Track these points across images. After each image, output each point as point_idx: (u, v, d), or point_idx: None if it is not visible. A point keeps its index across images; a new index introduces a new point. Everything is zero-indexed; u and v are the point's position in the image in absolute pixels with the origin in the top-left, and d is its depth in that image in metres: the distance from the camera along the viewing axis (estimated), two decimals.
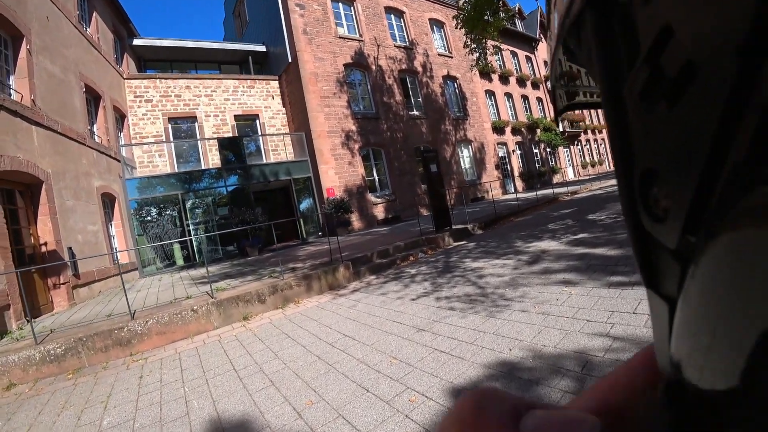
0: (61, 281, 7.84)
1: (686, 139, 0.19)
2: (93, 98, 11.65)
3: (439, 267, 6.68)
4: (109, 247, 10.35)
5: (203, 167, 14.52)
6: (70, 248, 8.23)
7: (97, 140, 11.25)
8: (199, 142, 15.19)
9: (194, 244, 12.74)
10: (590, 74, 0.33)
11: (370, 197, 15.91)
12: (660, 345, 0.23)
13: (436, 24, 22.05)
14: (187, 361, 4.23)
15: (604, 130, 39.91)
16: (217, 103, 16.04)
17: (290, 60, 15.55)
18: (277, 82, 17.26)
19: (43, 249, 7.74)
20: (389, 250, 8.00)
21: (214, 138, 14.87)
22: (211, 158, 14.88)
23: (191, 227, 12.97)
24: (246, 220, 12.42)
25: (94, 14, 12.92)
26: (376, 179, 16.72)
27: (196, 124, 15.57)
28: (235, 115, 16.30)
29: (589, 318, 3.21)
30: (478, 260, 6.53)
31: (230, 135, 15.69)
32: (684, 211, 0.20)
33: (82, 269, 8.60)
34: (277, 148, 16.44)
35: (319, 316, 5.06)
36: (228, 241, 13.20)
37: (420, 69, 19.78)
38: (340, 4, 17.33)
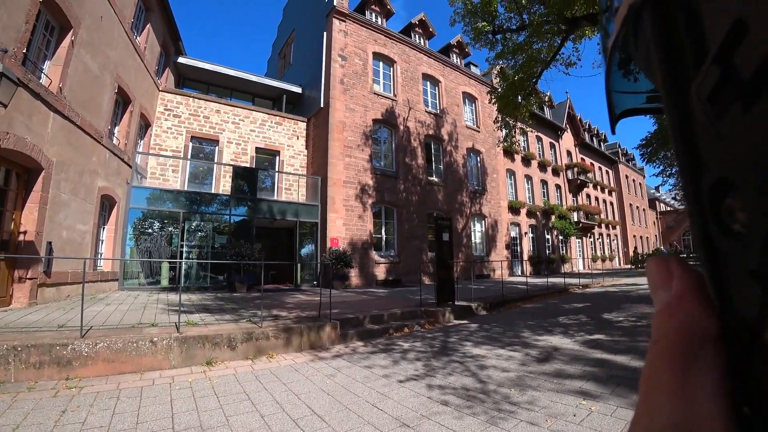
0: (28, 276, 7.23)
1: (765, 144, 0.17)
2: (123, 101, 11.68)
3: (436, 346, 5.93)
4: (93, 251, 9.80)
5: (213, 191, 14.26)
6: (49, 243, 7.70)
7: (114, 141, 11.10)
8: (215, 165, 15.06)
9: (184, 267, 12.15)
10: (649, 77, 0.31)
11: (374, 255, 15.35)
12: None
13: (469, 97, 22.61)
14: (124, 403, 3.53)
15: (618, 226, 39.67)
16: (243, 132, 16.13)
17: (322, 105, 15.77)
18: (305, 123, 17.48)
19: (21, 237, 7.22)
20: (384, 316, 7.28)
21: (231, 164, 14.73)
22: (224, 185, 14.66)
23: (185, 249, 12.45)
24: (242, 254, 11.86)
25: (148, 26, 13.34)
26: (384, 238, 16.25)
27: (217, 148, 15.55)
28: (257, 147, 16.31)
29: None
30: (480, 346, 5.81)
31: (247, 165, 15.58)
32: (765, 225, 0.18)
33: (55, 268, 8.03)
34: (291, 187, 16.27)
35: (291, 379, 4.34)
36: (219, 271, 12.60)
37: (446, 137, 19.97)
38: (381, 63, 17.86)
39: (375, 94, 16.95)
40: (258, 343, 5.30)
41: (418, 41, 20.44)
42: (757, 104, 0.17)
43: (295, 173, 16.44)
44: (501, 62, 13.86)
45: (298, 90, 18.81)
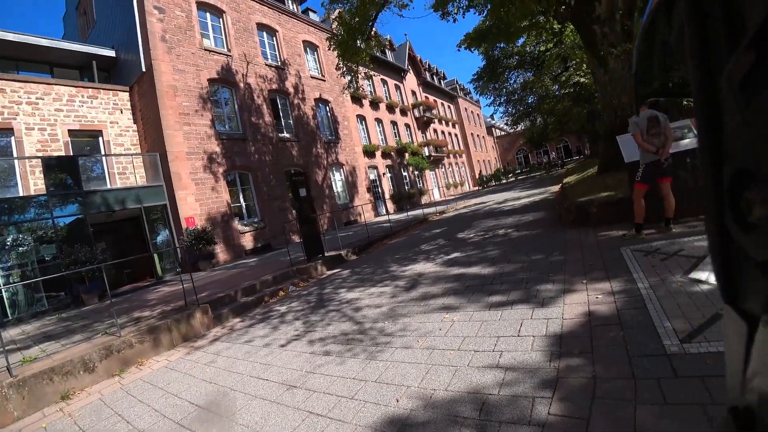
0: None
1: None
2: None
3: (312, 301, 6.05)
4: None
5: (22, 194, 11.62)
6: None
7: None
8: (16, 161, 12.18)
9: (4, 295, 9.94)
10: (679, 59, 0.31)
11: (237, 225, 14.56)
12: (733, 368, 0.23)
13: (310, 46, 21.89)
14: None
15: (464, 155, 44.07)
16: (45, 113, 13.14)
17: (144, 69, 13.57)
18: (127, 93, 14.90)
19: None
20: (256, 285, 7.11)
21: (38, 156, 12.10)
22: (35, 183, 12.01)
23: (0, 274, 10.16)
24: (80, 260, 10.15)
25: None
26: (244, 205, 15.41)
27: (13, 138, 12.50)
28: (69, 130, 13.53)
29: (476, 348, 3.01)
30: (354, 290, 6.11)
31: (62, 153, 12.97)
32: None
33: None
34: (125, 171, 14.06)
35: (167, 380, 4.03)
36: (58, 287, 10.57)
37: (292, 90, 19.25)
38: (208, 14, 15.97)
39: (206, 50, 15.21)
40: (121, 355, 4.73)
41: None
42: None
43: (127, 153, 14.19)
44: (337, 6, 13.58)
45: (111, 53, 15.78)
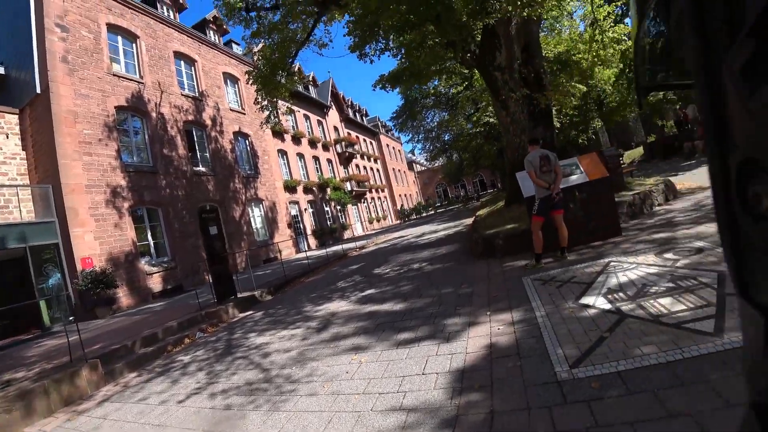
0: None
1: None
2: None
3: (219, 348, 5.78)
4: None
5: None
6: None
7: None
8: None
9: None
10: (679, 49, 0.30)
11: (144, 266, 13.46)
12: (753, 360, 0.21)
13: (231, 78, 21.66)
14: None
15: (385, 189, 45.24)
16: None
17: (39, 91, 12.35)
18: (16, 116, 13.38)
19: None
20: (158, 334, 6.58)
21: None
22: None
23: None
24: None
25: None
26: (152, 244, 14.35)
27: None
28: None
29: (381, 389, 3.09)
30: (265, 334, 5.95)
31: None
32: None
33: None
34: (8, 204, 12.54)
35: None
36: None
37: (209, 122, 18.72)
38: (120, 38, 15.13)
39: (115, 75, 14.29)
40: None
41: (166, 13, 18.14)
42: None
43: (12, 185, 12.73)
44: (258, 41, 13.63)
45: (0, 70, 14.30)
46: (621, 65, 20.93)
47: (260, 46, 13.99)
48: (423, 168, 70.46)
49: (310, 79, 31.50)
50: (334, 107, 35.67)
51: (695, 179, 9.59)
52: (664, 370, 2.28)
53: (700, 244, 4.54)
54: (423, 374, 3.14)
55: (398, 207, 46.55)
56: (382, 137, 48.80)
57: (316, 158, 29.57)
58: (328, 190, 29.03)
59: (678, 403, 1.97)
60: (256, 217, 20.69)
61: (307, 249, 21.69)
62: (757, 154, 0.18)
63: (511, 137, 9.53)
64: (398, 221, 42.30)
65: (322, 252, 17.77)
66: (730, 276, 0.21)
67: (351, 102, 42.83)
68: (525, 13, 7.82)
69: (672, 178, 9.55)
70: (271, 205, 21.77)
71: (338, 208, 29.98)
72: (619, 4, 12.96)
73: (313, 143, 29.39)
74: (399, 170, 53.35)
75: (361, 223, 34.95)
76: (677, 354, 2.41)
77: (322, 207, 27.81)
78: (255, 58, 14.79)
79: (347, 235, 29.99)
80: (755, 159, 0.18)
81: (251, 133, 21.68)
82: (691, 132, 17.00)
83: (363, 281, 8.48)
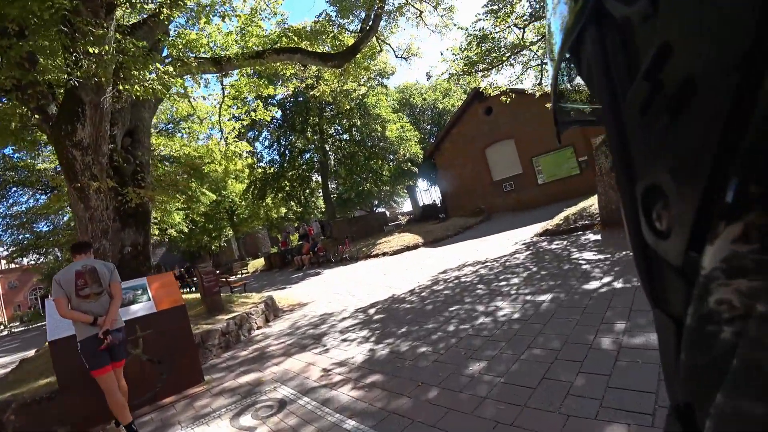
0: None
1: (687, 154, 0.19)
2: None
3: None
4: None
5: None
6: None
7: None
8: None
9: None
10: (590, 90, 0.36)
11: None
12: (669, 368, 0.25)
13: None
14: None
15: None
16: None
17: None
18: None
19: None
20: None
21: None
22: None
23: None
24: None
25: None
26: None
27: None
28: None
29: None
30: None
31: None
32: (687, 227, 0.20)
33: None
34: None
35: None
36: None
37: None
38: None
39: None
40: None
41: None
42: (680, 117, 0.19)
43: None
44: None
45: None
46: (248, 180, 22.08)
47: None
48: (8, 266, 51.72)
49: None
50: None
51: (299, 294, 9.67)
52: None
53: (284, 391, 3.66)
54: None
55: None
56: None
57: None
58: None
59: None
60: None
61: None
62: (658, 180, 0.20)
63: (90, 236, 6.99)
64: None
65: None
66: (643, 291, 0.25)
67: None
68: (128, 91, 6.18)
69: (281, 292, 9.52)
70: None
71: None
72: (244, 123, 13.24)
73: None
74: None
75: None
76: None
77: None
78: None
79: None
80: (656, 185, 0.21)
81: None
82: (300, 248, 18.96)
83: None
